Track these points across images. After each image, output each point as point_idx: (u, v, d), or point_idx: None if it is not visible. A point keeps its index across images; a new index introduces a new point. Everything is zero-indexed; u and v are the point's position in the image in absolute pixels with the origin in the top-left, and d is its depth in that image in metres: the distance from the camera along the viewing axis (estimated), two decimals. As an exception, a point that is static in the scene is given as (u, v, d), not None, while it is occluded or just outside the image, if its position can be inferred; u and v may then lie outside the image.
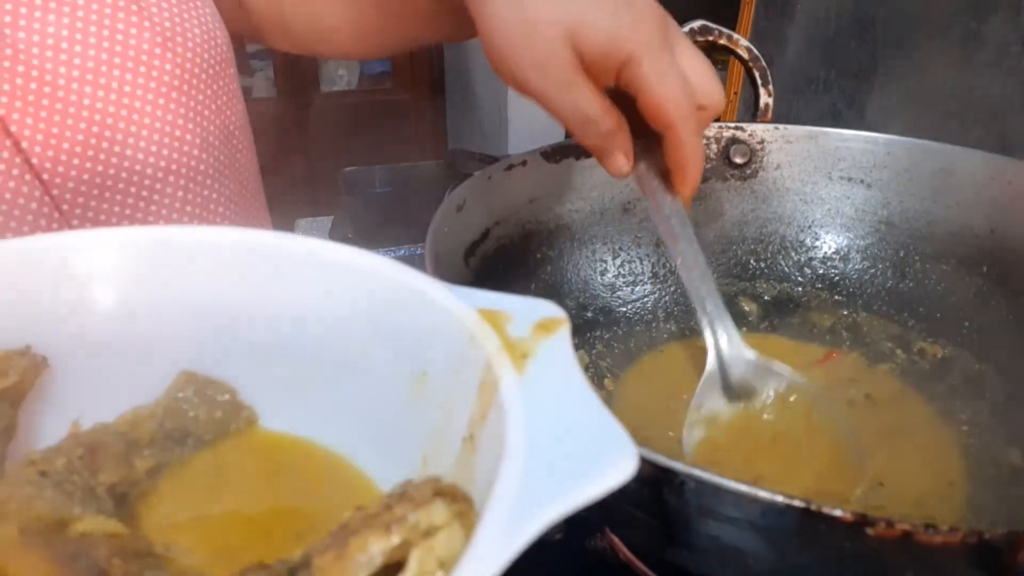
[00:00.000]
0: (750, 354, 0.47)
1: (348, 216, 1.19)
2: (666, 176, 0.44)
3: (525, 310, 0.24)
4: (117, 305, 0.28)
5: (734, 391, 0.47)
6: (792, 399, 0.46)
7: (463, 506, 0.20)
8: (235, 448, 0.29)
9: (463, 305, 0.24)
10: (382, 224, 1.15)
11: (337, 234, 1.18)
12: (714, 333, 0.47)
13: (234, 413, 0.29)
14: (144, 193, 0.46)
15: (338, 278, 0.27)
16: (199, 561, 0.25)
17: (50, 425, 0.27)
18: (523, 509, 0.18)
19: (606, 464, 0.19)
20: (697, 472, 0.26)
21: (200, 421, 0.28)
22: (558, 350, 0.23)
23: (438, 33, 0.60)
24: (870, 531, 0.24)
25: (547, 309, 0.24)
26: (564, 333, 0.23)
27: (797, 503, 0.25)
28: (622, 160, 0.42)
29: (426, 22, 0.59)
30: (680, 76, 0.40)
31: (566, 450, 0.19)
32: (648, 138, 0.43)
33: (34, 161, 0.42)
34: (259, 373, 0.29)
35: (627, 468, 0.19)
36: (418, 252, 1.05)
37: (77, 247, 0.27)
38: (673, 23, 0.42)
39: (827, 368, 0.53)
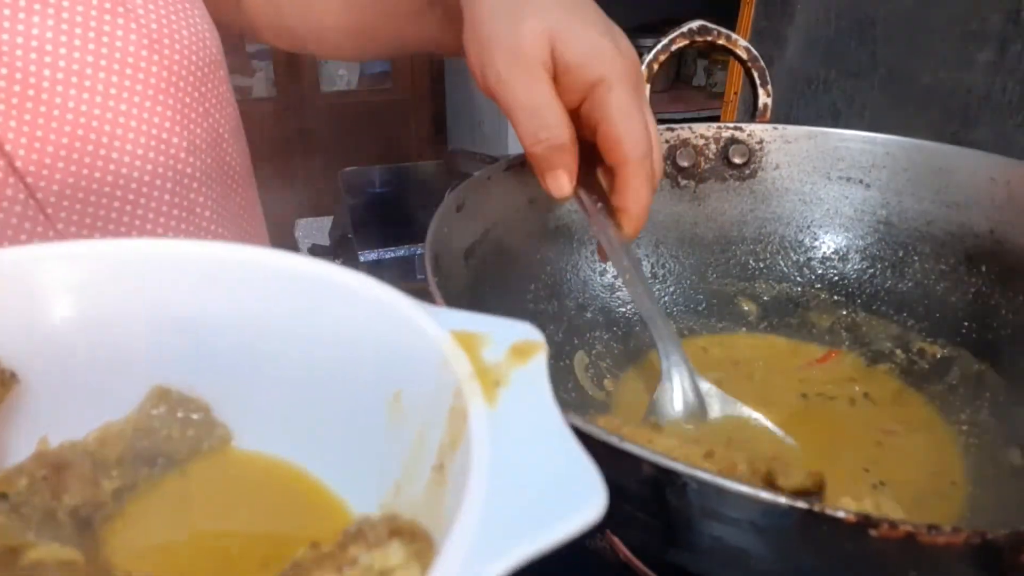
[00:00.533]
0: (704, 385, 0.47)
1: (348, 216, 1.19)
2: (611, 212, 0.44)
3: (502, 332, 0.23)
4: (88, 318, 0.27)
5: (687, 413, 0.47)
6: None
7: (421, 545, 0.19)
8: (205, 470, 0.28)
9: (436, 326, 0.23)
10: (382, 224, 1.15)
11: (336, 234, 1.18)
12: (668, 363, 0.46)
13: (207, 431, 0.28)
14: (130, 196, 0.46)
15: (314, 294, 0.26)
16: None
17: (20, 442, 0.26)
18: (481, 552, 0.17)
19: (573, 505, 0.18)
20: (699, 473, 0.26)
21: (172, 439, 0.27)
22: (533, 378, 0.22)
23: (428, 36, 0.60)
24: (873, 532, 0.24)
25: (524, 332, 0.23)
26: (540, 359, 0.22)
27: (799, 504, 0.25)
28: (564, 179, 0.42)
29: (418, 23, 0.59)
30: (644, 120, 0.41)
31: (533, 489, 0.18)
32: (596, 172, 0.43)
33: (18, 164, 0.41)
34: (233, 390, 0.28)
35: (595, 510, 0.18)
36: (418, 252, 1.05)
37: (45, 259, 0.27)
38: (643, 84, 0.43)
39: (826, 367, 0.53)
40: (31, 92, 0.41)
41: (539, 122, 0.40)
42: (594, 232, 0.46)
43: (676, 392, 0.46)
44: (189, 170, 0.49)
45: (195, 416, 0.28)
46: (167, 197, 0.47)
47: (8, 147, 0.41)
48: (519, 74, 0.40)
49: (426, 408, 0.23)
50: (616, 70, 0.39)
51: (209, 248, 0.27)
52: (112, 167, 0.45)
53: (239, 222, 0.56)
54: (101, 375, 0.27)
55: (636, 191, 0.42)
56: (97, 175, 0.44)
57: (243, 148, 0.57)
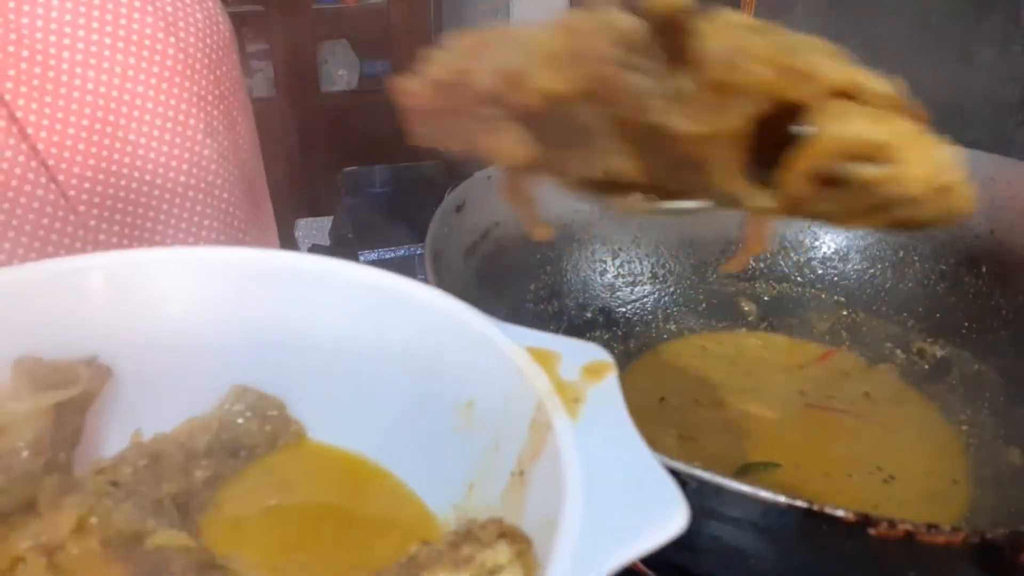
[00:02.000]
0: None
1: (348, 216, 1.19)
2: None
3: (574, 352, 0.25)
4: (175, 320, 0.29)
5: None
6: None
7: (522, 546, 0.21)
8: (286, 461, 0.30)
9: (513, 342, 0.25)
10: (382, 224, 1.15)
11: (337, 234, 1.18)
12: None
13: (283, 427, 0.30)
14: (147, 178, 0.46)
15: (391, 307, 0.28)
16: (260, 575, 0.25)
17: (113, 433, 0.28)
18: (585, 560, 0.18)
19: (660, 518, 0.20)
20: (699, 472, 0.26)
21: (252, 434, 0.29)
22: (609, 397, 0.23)
23: None
24: (872, 531, 0.24)
25: (595, 352, 0.25)
26: (613, 379, 0.24)
27: (799, 503, 0.25)
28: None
29: None
30: None
31: (622, 502, 0.20)
32: None
33: (40, 147, 0.42)
34: (310, 391, 0.30)
35: (679, 522, 0.19)
36: (418, 252, 1.05)
37: (141, 264, 0.28)
38: None
39: (826, 367, 0.53)
40: (51, 75, 0.42)
41: None
42: None
43: None
44: (207, 152, 0.49)
45: (271, 412, 0.30)
46: (183, 178, 0.48)
47: (31, 130, 0.41)
48: None
49: (501, 418, 0.25)
50: None
51: (290, 258, 0.29)
52: (130, 149, 0.45)
53: (254, 204, 0.56)
54: (187, 373, 0.29)
55: None
56: (116, 157, 0.45)
57: (253, 132, 0.57)
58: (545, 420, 0.22)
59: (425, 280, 0.38)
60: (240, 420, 0.29)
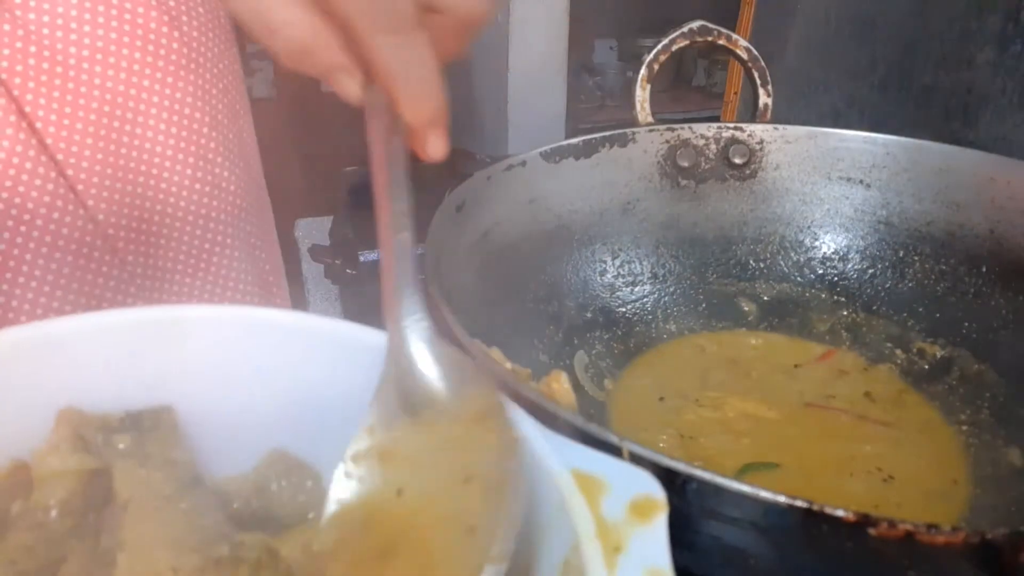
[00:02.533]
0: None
1: (348, 216, 1.19)
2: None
3: (623, 481, 0.22)
4: (217, 378, 0.28)
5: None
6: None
7: None
8: (309, 538, 0.27)
9: (559, 462, 0.23)
10: (381, 224, 1.15)
11: (337, 234, 1.18)
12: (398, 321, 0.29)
13: (316, 501, 0.28)
14: (154, 172, 0.46)
15: None
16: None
17: None
18: None
19: None
20: (699, 472, 0.26)
21: (283, 503, 0.28)
22: (653, 546, 0.21)
23: None
24: (872, 531, 0.24)
25: (646, 484, 0.22)
26: (661, 521, 0.21)
27: (799, 503, 0.25)
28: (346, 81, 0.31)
29: None
30: None
31: None
32: None
33: (48, 142, 0.42)
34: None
35: None
36: (418, 252, 1.05)
37: (186, 321, 0.28)
38: None
39: (826, 367, 0.53)
40: (59, 69, 0.42)
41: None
42: (369, 133, 0.32)
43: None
44: (212, 144, 0.49)
45: (308, 483, 0.28)
46: (190, 171, 0.48)
47: (39, 124, 0.42)
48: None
49: (535, 543, 0.23)
50: None
51: (347, 329, 0.27)
52: (137, 143, 0.45)
53: (258, 198, 0.56)
54: (225, 431, 0.28)
55: (379, 54, 0.29)
56: (123, 151, 0.45)
57: (252, 128, 0.57)
58: (579, 565, 0.20)
59: (425, 280, 0.38)
60: (275, 486, 0.28)
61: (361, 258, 1.02)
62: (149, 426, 0.27)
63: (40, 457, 0.25)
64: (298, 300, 1.12)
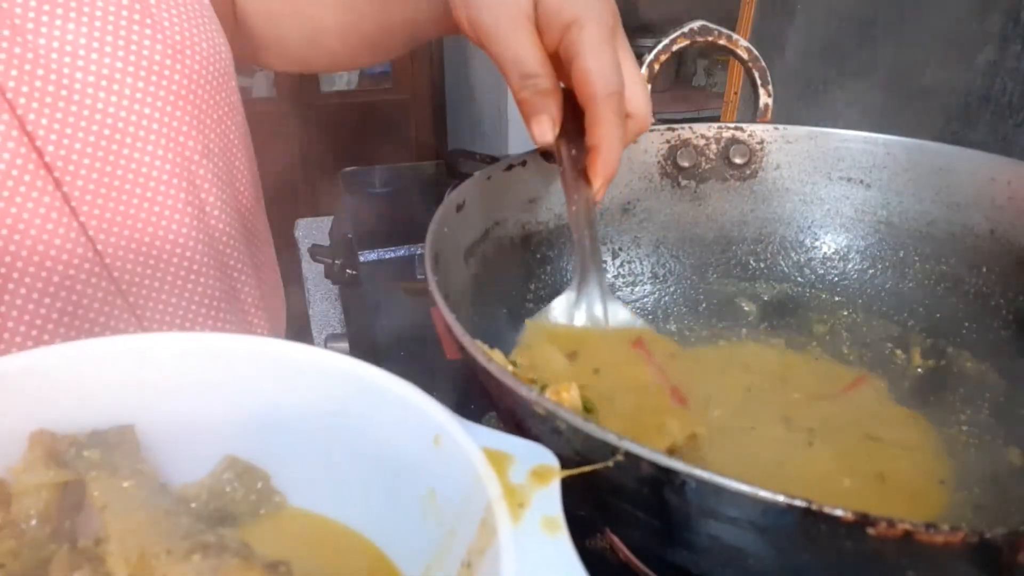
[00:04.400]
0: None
1: (348, 216, 1.19)
2: (584, 170, 0.45)
3: (525, 454, 0.27)
4: (176, 398, 0.32)
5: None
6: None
7: None
8: (265, 530, 0.32)
9: (472, 443, 0.27)
10: (382, 224, 1.15)
11: (337, 234, 1.18)
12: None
13: (266, 497, 0.32)
14: (148, 194, 0.49)
15: (365, 394, 0.30)
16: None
17: None
18: None
19: None
20: (698, 472, 0.26)
21: (237, 502, 0.32)
22: (549, 502, 0.26)
23: (416, 16, 0.61)
24: (871, 531, 0.24)
25: (544, 456, 0.27)
26: (556, 484, 0.26)
27: (798, 502, 0.25)
28: (547, 124, 0.43)
29: (406, 3, 0.60)
30: (615, 59, 0.42)
31: None
32: (582, 128, 0.44)
33: (48, 159, 0.44)
34: (293, 466, 0.33)
35: None
36: (418, 252, 1.05)
37: (151, 348, 0.32)
38: (622, 31, 0.45)
39: (826, 365, 0.53)
40: (64, 92, 0.44)
41: (523, 69, 0.42)
42: (564, 187, 0.46)
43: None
44: (202, 171, 0.52)
45: (258, 484, 0.32)
46: (183, 195, 0.50)
47: (39, 142, 0.44)
48: (505, 24, 0.42)
49: (458, 510, 0.27)
50: (591, 11, 0.41)
51: (285, 348, 0.32)
52: (133, 165, 0.48)
53: (246, 223, 0.59)
54: (181, 445, 0.32)
55: (606, 128, 0.42)
56: (120, 172, 0.47)
57: (249, 155, 0.60)
58: (492, 522, 0.25)
59: (425, 280, 0.38)
60: (229, 488, 0.32)
61: (361, 258, 1.02)
62: (115, 442, 0.30)
63: (16, 474, 0.29)
64: (298, 300, 1.12)
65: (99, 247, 0.47)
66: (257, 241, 0.61)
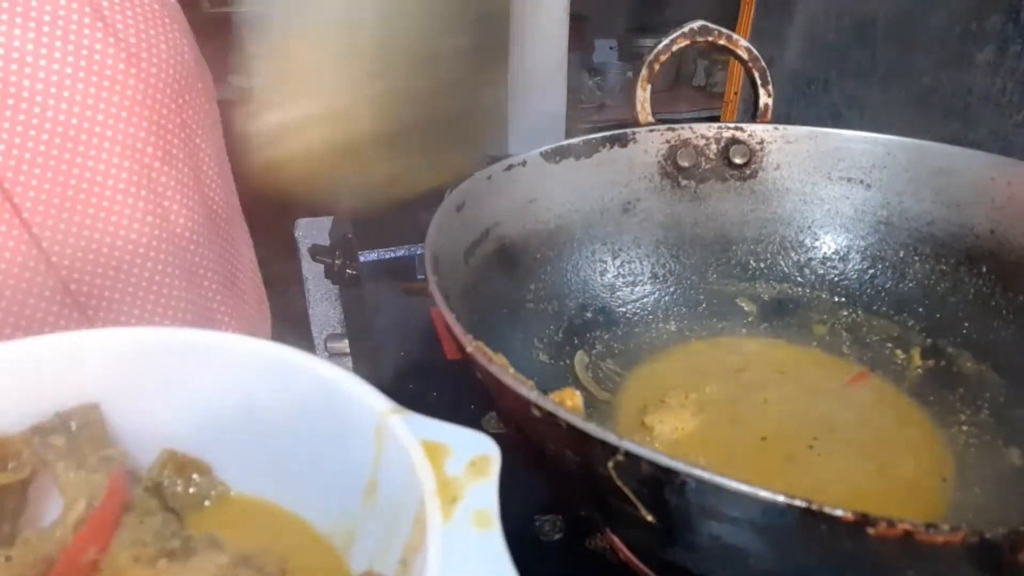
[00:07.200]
0: None
1: (348, 216, 1.19)
2: None
3: (464, 444, 0.26)
4: (110, 392, 0.31)
5: None
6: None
7: None
8: (206, 519, 0.32)
9: (411, 435, 0.27)
10: (382, 224, 1.15)
11: (336, 234, 1.18)
12: None
13: (208, 489, 0.32)
14: (105, 203, 0.47)
15: (302, 384, 0.30)
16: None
17: (52, 502, 0.30)
18: None
19: None
20: (698, 472, 0.26)
21: (178, 496, 0.31)
22: (484, 494, 0.24)
23: None
24: (871, 531, 0.24)
25: (484, 446, 0.26)
26: (494, 476, 0.25)
27: (798, 502, 0.25)
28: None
29: None
30: None
31: None
32: None
33: None
34: (234, 455, 0.32)
35: None
36: (418, 252, 1.05)
37: (80, 344, 0.31)
38: None
39: (826, 366, 0.53)
40: (10, 101, 0.42)
41: None
42: None
43: None
44: (164, 179, 0.50)
45: (196, 477, 0.32)
46: (141, 204, 0.49)
47: None
48: None
49: (396, 505, 0.27)
50: None
51: (225, 340, 0.31)
52: (88, 175, 0.46)
53: (218, 229, 0.57)
54: (124, 439, 0.32)
55: None
56: (73, 182, 0.45)
57: (222, 158, 0.58)
58: (424, 518, 0.24)
59: (425, 280, 0.38)
60: (168, 482, 0.31)
61: (361, 258, 1.02)
62: (80, 424, 0.30)
63: None
64: (298, 300, 1.12)
65: (53, 259, 0.46)
66: (232, 247, 0.60)
